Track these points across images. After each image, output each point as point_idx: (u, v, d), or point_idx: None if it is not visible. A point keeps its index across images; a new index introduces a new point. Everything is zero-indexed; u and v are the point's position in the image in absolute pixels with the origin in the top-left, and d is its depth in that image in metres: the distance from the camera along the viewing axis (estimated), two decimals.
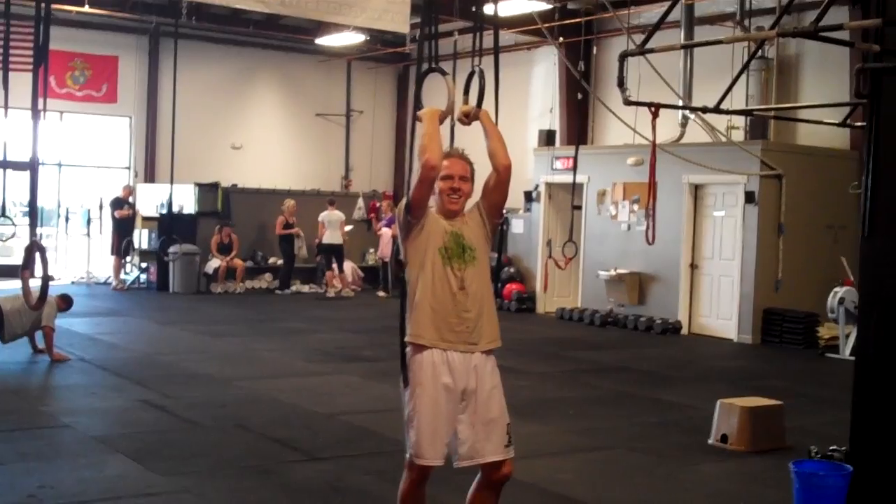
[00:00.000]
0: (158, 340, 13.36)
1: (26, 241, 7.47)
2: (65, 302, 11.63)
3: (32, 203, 9.71)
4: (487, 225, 4.84)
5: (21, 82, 8.09)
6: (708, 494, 6.95)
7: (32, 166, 9.95)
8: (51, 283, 9.58)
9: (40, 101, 8.98)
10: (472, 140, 5.25)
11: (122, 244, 19.61)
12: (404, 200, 4.69)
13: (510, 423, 4.78)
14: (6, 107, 10.53)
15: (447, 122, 4.88)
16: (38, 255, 7.06)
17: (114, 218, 19.67)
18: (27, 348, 11.30)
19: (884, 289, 6.51)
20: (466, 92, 4.99)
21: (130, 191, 20.32)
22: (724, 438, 8.15)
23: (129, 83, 21.69)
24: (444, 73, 4.94)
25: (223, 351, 12.50)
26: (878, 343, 6.51)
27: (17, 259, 16.57)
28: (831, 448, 7.00)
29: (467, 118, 4.88)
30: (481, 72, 5.00)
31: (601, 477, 7.33)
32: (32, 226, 8.10)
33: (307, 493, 6.55)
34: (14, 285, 11.28)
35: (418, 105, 4.86)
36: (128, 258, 20.11)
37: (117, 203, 19.79)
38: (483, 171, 4.85)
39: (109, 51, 21.41)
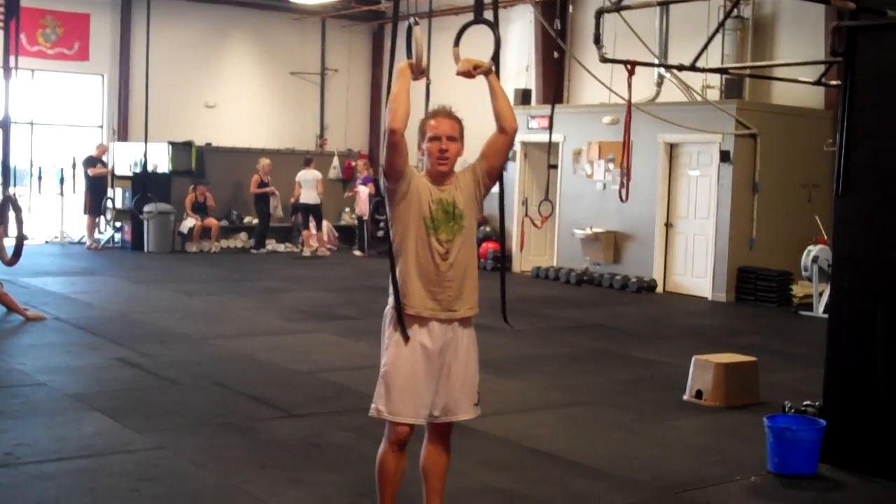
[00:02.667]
0: (134, 299, 13.33)
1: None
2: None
3: (5, 161, 9.65)
4: (482, 188, 4.71)
5: None
6: (683, 449, 7.02)
7: (4, 124, 9.88)
8: (25, 242, 9.55)
9: (12, 58, 8.90)
10: (445, 99, 5.14)
11: (95, 203, 19.49)
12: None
13: (479, 382, 4.80)
14: None
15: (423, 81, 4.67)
16: (12, 212, 7.00)
17: (87, 177, 19.53)
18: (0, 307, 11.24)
19: (857, 247, 6.58)
20: (457, 44, 4.80)
21: (105, 149, 20.18)
22: (698, 394, 8.23)
23: (102, 41, 21.44)
24: (415, 23, 4.59)
25: (199, 309, 12.48)
26: (851, 300, 6.59)
27: None
28: (805, 403, 7.10)
29: (475, 71, 4.62)
30: (493, 24, 4.81)
31: (577, 432, 7.38)
32: (5, 184, 8.04)
33: (286, 449, 6.57)
34: None
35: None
36: (103, 217, 20.00)
37: (90, 161, 19.65)
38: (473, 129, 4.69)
39: (81, 8, 21.14)
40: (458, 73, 4.66)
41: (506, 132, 4.67)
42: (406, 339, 4.59)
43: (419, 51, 4.51)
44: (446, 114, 4.66)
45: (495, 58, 4.70)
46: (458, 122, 4.66)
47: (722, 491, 6.07)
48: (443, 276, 4.59)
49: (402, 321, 4.59)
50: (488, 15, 4.93)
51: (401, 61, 4.60)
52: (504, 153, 4.75)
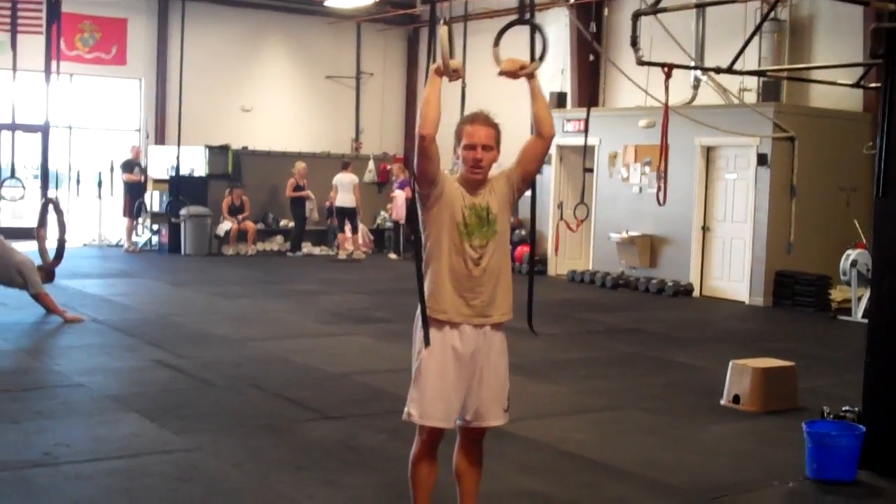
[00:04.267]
0: (171, 302, 13.41)
1: (38, 203, 7.50)
2: (47, 274, 11.54)
3: (44, 165, 9.76)
4: (515, 193, 4.68)
5: (28, 46, 8.05)
6: (720, 454, 6.97)
7: (44, 128, 9.99)
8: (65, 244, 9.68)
9: (53, 62, 9.00)
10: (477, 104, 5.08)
11: (133, 206, 19.65)
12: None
13: (509, 388, 4.78)
14: (14, 69, 10.57)
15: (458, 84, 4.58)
16: (53, 214, 7.07)
17: (127, 181, 19.72)
18: (40, 309, 11.33)
19: None
20: (497, 44, 4.67)
21: (139, 151, 20.33)
22: (736, 399, 8.17)
23: (139, 45, 21.62)
24: (442, 24, 4.47)
25: (236, 312, 12.54)
26: (891, 304, 6.51)
27: (28, 222, 16.65)
28: (844, 409, 7.02)
29: (521, 71, 4.54)
30: (539, 26, 4.75)
31: (612, 436, 7.35)
32: (45, 185, 8.12)
33: (321, 450, 6.59)
34: (27, 247, 11.32)
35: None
36: (139, 220, 20.16)
37: (127, 165, 19.82)
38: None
39: (118, 13, 21.32)
40: (502, 73, 4.59)
41: (543, 137, 4.63)
42: (427, 342, 4.56)
43: (444, 52, 4.41)
44: (483, 120, 4.59)
45: (542, 59, 4.66)
46: (496, 128, 4.60)
47: (759, 497, 6.03)
48: (476, 282, 4.57)
49: (427, 325, 4.57)
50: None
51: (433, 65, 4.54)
52: (540, 159, 4.72)
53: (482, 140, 4.53)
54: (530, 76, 4.59)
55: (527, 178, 4.71)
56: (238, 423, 7.20)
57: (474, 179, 4.58)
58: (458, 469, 4.83)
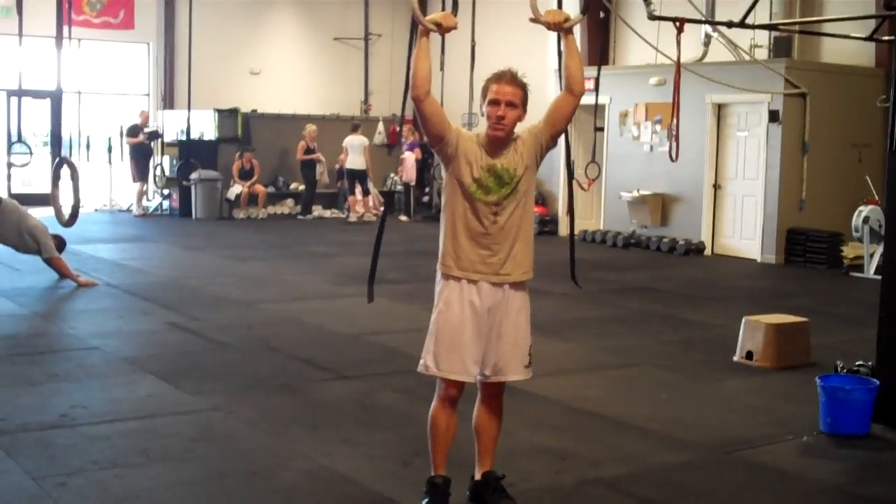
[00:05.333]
0: (184, 265, 13.45)
1: (48, 170, 7.49)
2: (58, 243, 11.56)
3: (56, 129, 9.75)
4: (542, 153, 4.65)
5: (34, 11, 7.99)
6: (734, 409, 6.99)
7: (56, 94, 9.97)
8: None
9: (64, 28, 8.95)
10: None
11: (141, 170, 19.62)
12: None
13: (532, 344, 4.79)
14: (21, 34, 10.53)
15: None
16: (69, 178, 7.07)
17: (131, 144, 19.69)
18: (53, 274, 11.38)
19: None
20: None
21: (147, 116, 20.29)
22: (749, 355, 8.17)
23: (147, 9, 21.51)
24: None
25: (248, 275, 12.57)
26: None
27: (37, 188, 16.67)
28: (857, 363, 7.03)
29: (565, 24, 4.51)
30: None
31: (627, 393, 7.37)
32: (57, 149, 8.12)
33: (336, 410, 6.62)
34: (40, 212, 11.34)
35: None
36: (153, 185, 20.13)
37: (133, 130, 19.78)
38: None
39: None
40: (545, 23, 4.56)
41: (575, 94, 4.59)
42: (371, 298, 4.74)
43: (416, 11, 4.43)
44: (510, 79, 4.55)
45: (584, 12, 4.64)
46: (523, 88, 4.56)
47: (773, 451, 6.04)
48: (492, 239, 4.57)
49: (372, 282, 4.74)
50: None
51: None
52: (570, 117, 4.67)
53: (507, 97, 4.50)
54: (569, 30, 4.57)
55: (556, 135, 4.68)
56: (253, 383, 7.23)
57: (495, 136, 4.54)
58: (478, 423, 4.85)
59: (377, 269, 4.78)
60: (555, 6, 4.75)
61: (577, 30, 16.08)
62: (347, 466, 5.48)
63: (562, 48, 4.64)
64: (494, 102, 4.51)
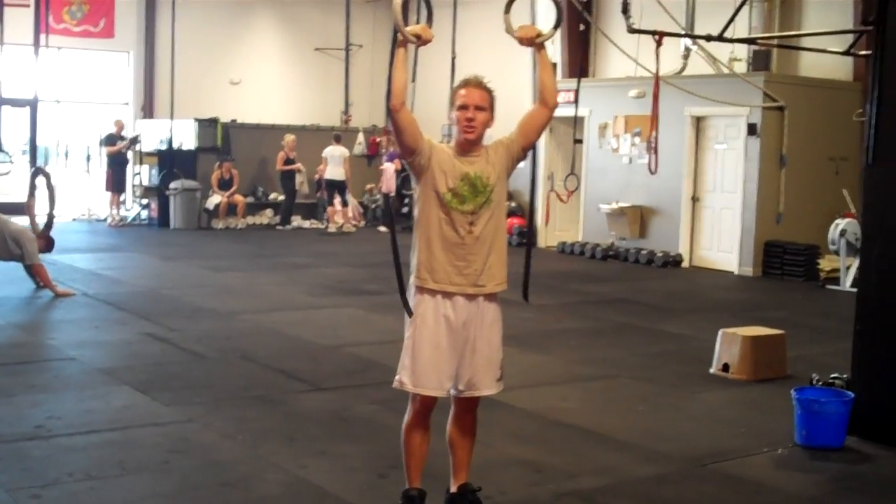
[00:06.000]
0: (161, 275, 13.40)
1: (26, 179, 7.47)
2: (46, 243, 11.53)
3: (33, 138, 9.71)
4: (514, 163, 4.67)
5: (15, 19, 7.98)
6: (710, 421, 7.01)
7: (32, 103, 9.93)
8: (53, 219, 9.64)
9: (42, 36, 8.93)
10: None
11: (116, 180, 19.53)
12: None
13: (503, 357, 4.80)
14: (1, 42, 10.49)
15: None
16: (44, 183, 7.04)
17: (109, 154, 19.60)
18: (30, 283, 11.33)
19: (886, 217, 6.54)
20: (508, 11, 4.71)
21: (122, 125, 20.18)
22: (725, 367, 8.21)
23: (127, 18, 21.46)
24: None
25: (226, 285, 12.54)
26: (881, 271, 6.54)
27: (14, 197, 16.57)
28: (833, 375, 7.07)
29: (537, 39, 4.55)
30: None
31: (603, 405, 7.39)
32: (34, 159, 8.10)
33: (313, 421, 6.61)
34: (16, 221, 11.27)
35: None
36: (126, 193, 20.03)
37: (110, 139, 19.70)
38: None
39: None
40: (518, 38, 4.61)
41: (548, 106, 4.64)
42: (409, 313, 4.60)
43: (398, 20, 4.44)
44: (476, 83, 4.60)
45: (556, 27, 4.68)
46: (489, 92, 4.61)
47: (749, 463, 6.07)
48: (468, 250, 4.57)
49: (405, 298, 4.63)
50: None
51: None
52: (542, 129, 4.72)
53: (475, 100, 4.54)
54: (541, 45, 4.61)
55: (527, 147, 4.71)
56: (229, 394, 7.21)
57: (466, 140, 4.56)
58: (452, 438, 4.85)
59: (401, 279, 4.74)
60: (529, 21, 4.77)
61: (557, 42, 16.16)
62: (323, 478, 5.47)
63: (535, 62, 4.68)
64: (463, 107, 4.54)
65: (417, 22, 4.64)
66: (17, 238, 10.99)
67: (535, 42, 4.59)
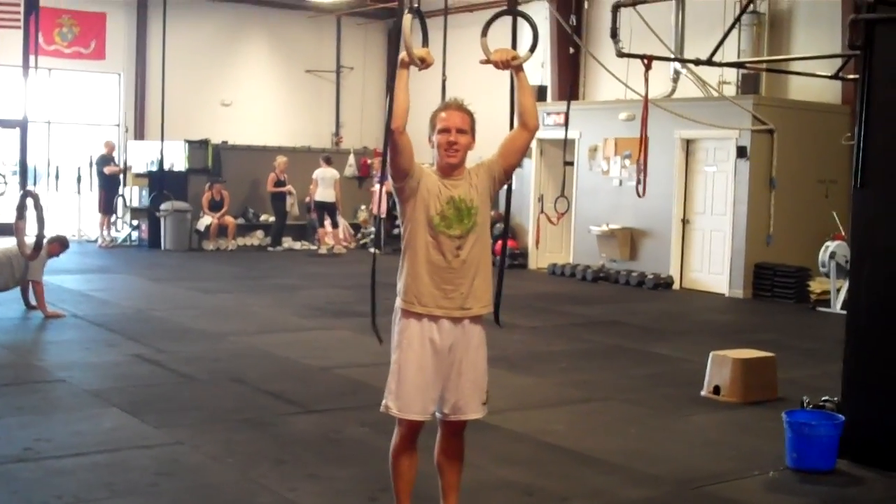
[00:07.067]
0: (151, 297, 13.36)
1: (13, 199, 7.44)
2: (60, 245, 11.54)
3: (23, 160, 9.68)
4: (496, 185, 4.68)
5: (5, 40, 7.97)
6: (700, 444, 7.01)
7: (22, 124, 9.91)
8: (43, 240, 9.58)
9: (32, 57, 8.91)
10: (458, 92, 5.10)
11: (108, 201, 19.52)
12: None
13: (488, 381, 4.79)
14: None
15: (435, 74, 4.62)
16: (32, 204, 7.01)
17: (101, 175, 19.53)
18: (20, 304, 11.30)
19: (875, 240, 6.56)
20: (485, 34, 4.70)
21: (113, 146, 20.16)
22: (716, 390, 8.20)
23: (118, 40, 21.51)
24: (407, 13, 4.45)
25: (216, 307, 12.51)
26: (870, 293, 6.56)
27: (8, 218, 16.53)
28: (823, 398, 7.07)
29: (513, 62, 4.56)
30: (530, 17, 4.82)
31: (594, 428, 7.38)
32: (24, 181, 8.08)
33: (303, 444, 6.59)
34: (9, 242, 11.24)
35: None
36: (117, 215, 20.01)
37: (105, 160, 19.68)
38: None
39: (97, 7, 21.21)
40: (493, 62, 4.60)
41: (528, 129, 4.65)
42: (380, 340, 4.68)
43: (407, 41, 4.40)
44: (457, 106, 4.61)
45: (532, 50, 4.66)
46: (470, 115, 4.61)
47: (739, 486, 6.06)
48: (455, 273, 4.56)
49: (375, 324, 4.67)
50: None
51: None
52: (523, 151, 4.74)
53: (456, 124, 4.54)
54: (519, 67, 4.60)
55: (509, 170, 4.72)
56: (219, 417, 7.19)
57: (449, 164, 4.57)
58: (440, 462, 4.84)
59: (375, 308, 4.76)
60: (510, 45, 4.78)
61: (547, 65, 16.20)
62: (313, 502, 5.45)
63: (514, 84, 4.68)
64: (445, 130, 4.54)
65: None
66: (15, 255, 10.90)
67: (511, 65, 4.59)
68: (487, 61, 4.64)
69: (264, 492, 5.58)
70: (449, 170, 4.59)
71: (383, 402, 4.67)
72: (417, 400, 4.60)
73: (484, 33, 4.73)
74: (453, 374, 4.64)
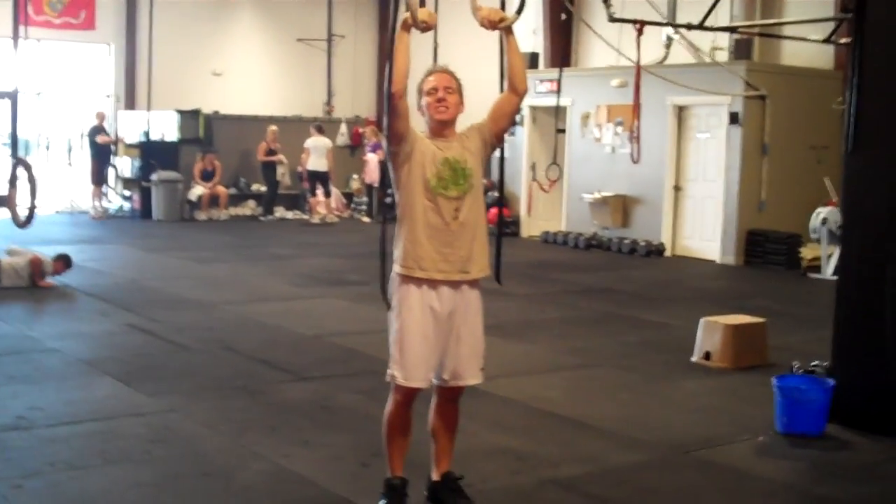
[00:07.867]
0: (144, 267, 13.36)
1: (6, 171, 7.44)
2: (65, 264, 11.47)
3: (14, 131, 9.66)
4: (488, 149, 4.68)
5: None
6: (691, 410, 7.04)
7: (12, 95, 9.88)
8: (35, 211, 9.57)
9: (21, 28, 8.87)
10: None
11: (100, 172, 19.47)
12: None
13: (484, 347, 4.80)
14: None
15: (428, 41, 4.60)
16: (27, 182, 7.00)
17: (93, 146, 19.45)
18: None
19: (866, 205, 6.56)
20: None
21: (104, 116, 20.09)
22: (707, 356, 8.23)
23: (108, 10, 21.36)
24: None
25: (209, 276, 12.51)
26: (860, 259, 6.57)
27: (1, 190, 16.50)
28: (813, 363, 7.11)
29: (500, 23, 4.53)
30: None
31: (587, 394, 7.41)
32: (14, 149, 8.06)
33: (295, 411, 6.61)
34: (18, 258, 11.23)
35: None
36: (108, 185, 19.97)
37: (97, 130, 19.60)
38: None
39: None
40: (480, 18, 4.57)
41: (517, 92, 4.65)
42: (389, 306, 4.62)
43: (411, 1, 4.38)
44: (442, 69, 4.64)
45: (519, 12, 4.64)
46: (456, 78, 4.62)
47: (730, 450, 6.09)
48: (454, 236, 4.57)
49: (385, 290, 4.64)
50: None
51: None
52: (512, 115, 4.75)
53: (444, 83, 4.56)
54: (508, 29, 4.58)
55: (499, 133, 4.73)
56: (211, 385, 7.20)
57: (440, 121, 4.57)
58: (434, 427, 4.85)
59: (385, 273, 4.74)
60: (498, 6, 4.76)
61: (539, 32, 16.16)
62: (306, 468, 5.47)
63: (503, 47, 4.66)
64: (433, 90, 4.55)
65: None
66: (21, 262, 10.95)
67: (498, 26, 4.58)
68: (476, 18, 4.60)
69: (257, 458, 5.60)
70: (440, 128, 4.59)
71: (388, 371, 4.66)
72: (421, 368, 4.61)
73: None
74: (452, 341, 4.65)
